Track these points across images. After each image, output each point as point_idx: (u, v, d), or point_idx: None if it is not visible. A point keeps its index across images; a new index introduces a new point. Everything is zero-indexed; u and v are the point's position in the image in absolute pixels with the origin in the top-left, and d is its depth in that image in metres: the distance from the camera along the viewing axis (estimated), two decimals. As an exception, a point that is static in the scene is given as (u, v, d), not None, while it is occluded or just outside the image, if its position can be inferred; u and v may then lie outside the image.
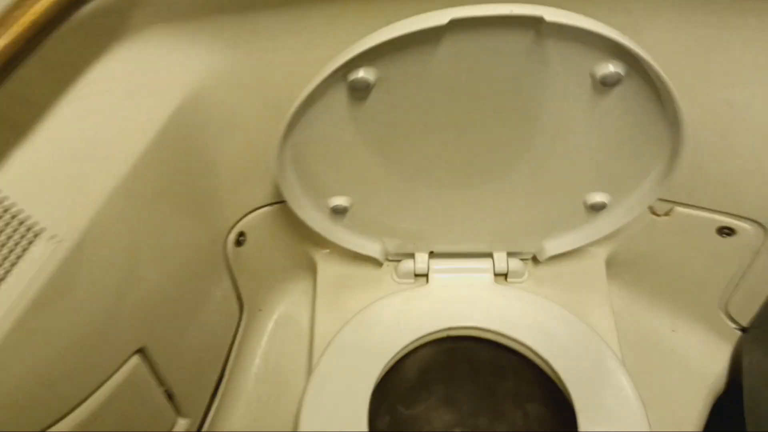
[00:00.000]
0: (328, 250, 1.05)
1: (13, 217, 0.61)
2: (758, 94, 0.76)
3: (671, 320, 1.11)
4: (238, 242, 0.98)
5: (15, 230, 0.61)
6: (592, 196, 0.85)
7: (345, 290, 1.00)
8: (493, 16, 0.60)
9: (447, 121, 0.75)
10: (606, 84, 0.67)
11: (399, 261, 1.01)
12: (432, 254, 0.99)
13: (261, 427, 1.04)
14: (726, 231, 0.93)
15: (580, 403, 0.86)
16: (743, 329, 1.07)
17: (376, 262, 1.01)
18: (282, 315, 1.14)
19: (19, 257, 0.61)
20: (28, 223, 0.62)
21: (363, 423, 0.85)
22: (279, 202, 0.97)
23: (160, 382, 0.87)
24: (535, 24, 0.62)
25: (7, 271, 0.61)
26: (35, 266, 0.62)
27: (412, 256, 0.99)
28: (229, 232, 0.96)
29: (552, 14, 0.60)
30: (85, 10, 0.62)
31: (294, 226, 1.00)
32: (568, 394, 0.88)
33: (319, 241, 1.03)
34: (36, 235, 0.62)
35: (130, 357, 0.79)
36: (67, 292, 0.65)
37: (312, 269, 1.07)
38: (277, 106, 0.78)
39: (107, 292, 0.72)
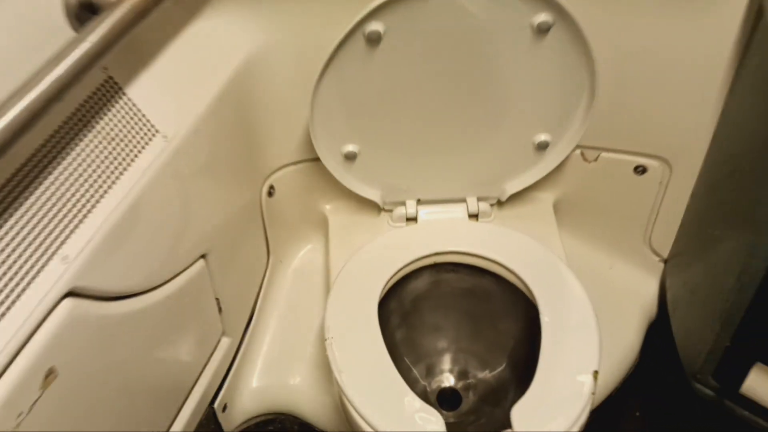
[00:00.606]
0: (329, 206, 1.32)
1: (136, 121, 0.87)
2: (646, 51, 1.07)
3: (608, 259, 1.39)
4: (269, 193, 1.24)
5: (138, 131, 0.87)
6: (538, 137, 1.15)
7: (351, 233, 1.27)
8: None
9: (432, 76, 1.05)
10: (541, 30, 0.98)
11: (392, 210, 1.28)
12: (419, 201, 1.26)
13: (287, 347, 1.27)
14: (640, 169, 1.23)
15: (541, 299, 1.12)
16: (665, 261, 1.35)
17: (374, 212, 1.28)
18: (298, 266, 1.40)
19: (140, 150, 0.87)
20: (147, 126, 0.88)
21: (374, 320, 1.09)
22: (301, 161, 1.24)
23: (215, 291, 1.11)
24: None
25: (132, 160, 0.86)
26: (151, 157, 0.88)
27: (403, 204, 1.26)
28: (263, 183, 1.23)
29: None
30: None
31: (311, 183, 1.27)
32: (531, 294, 1.14)
33: (328, 196, 1.30)
34: (153, 136, 0.89)
35: (197, 259, 1.03)
36: (168, 181, 0.90)
37: (320, 228, 1.34)
38: (306, 73, 1.06)
39: (188, 196, 0.97)
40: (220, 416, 1.21)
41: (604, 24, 1.03)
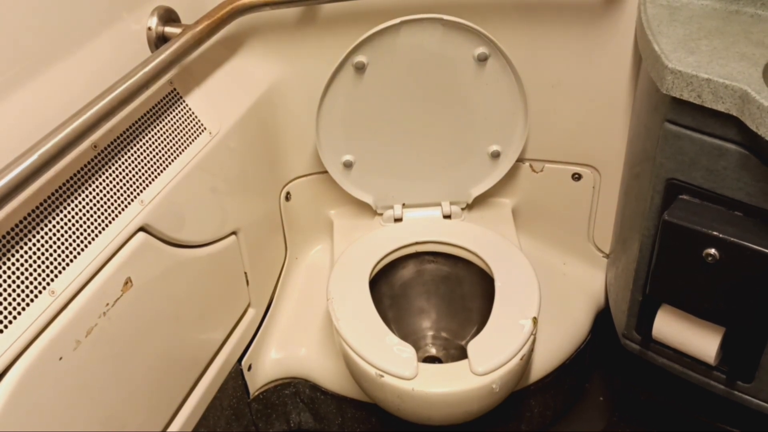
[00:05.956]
0: (334, 211, 1.67)
1: (191, 120, 1.24)
2: (567, 81, 1.43)
3: (562, 256, 1.70)
4: (287, 198, 1.60)
5: (190, 128, 1.24)
6: (491, 147, 1.50)
7: (351, 231, 1.61)
8: (421, 18, 1.30)
9: (407, 98, 1.42)
10: (480, 59, 1.34)
11: (383, 213, 1.62)
12: (404, 205, 1.60)
13: (300, 325, 1.59)
14: (577, 176, 1.57)
15: (496, 271, 1.43)
16: (607, 256, 1.66)
17: (369, 217, 1.62)
18: (310, 263, 1.73)
19: (194, 139, 1.24)
20: (198, 124, 1.25)
21: (365, 287, 1.41)
22: (312, 174, 1.60)
23: (244, 265, 1.44)
24: (441, 21, 1.32)
25: (189, 144, 1.23)
26: (201, 144, 1.24)
27: (392, 207, 1.60)
28: (282, 189, 1.59)
29: (447, 17, 1.30)
30: (228, 29, 1.30)
31: (319, 192, 1.62)
32: (489, 268, 1.45)
33: (333, 203, 1.65)
34: (202, 131, 1.25)
35: (229, 234, 1.38)
36: (211, 163, 1.26)
37: (328, 233, 1.68)
38: (313, 99, 1.43)
39: (224, 179, 1.33)
40: (246, 375, 1.51)
41: (531, 59, 1.40)
